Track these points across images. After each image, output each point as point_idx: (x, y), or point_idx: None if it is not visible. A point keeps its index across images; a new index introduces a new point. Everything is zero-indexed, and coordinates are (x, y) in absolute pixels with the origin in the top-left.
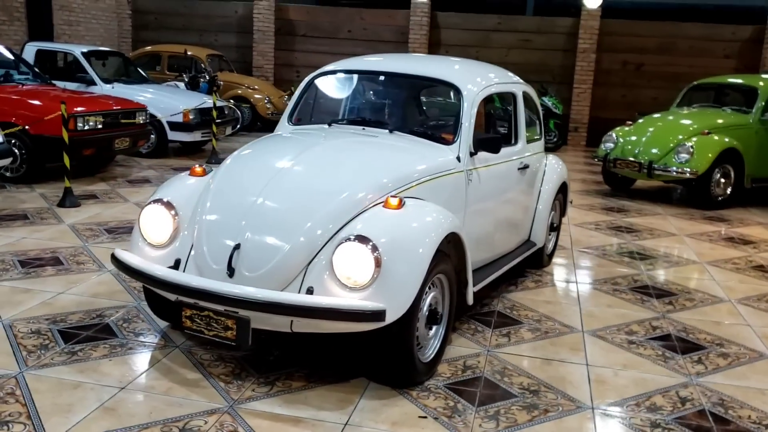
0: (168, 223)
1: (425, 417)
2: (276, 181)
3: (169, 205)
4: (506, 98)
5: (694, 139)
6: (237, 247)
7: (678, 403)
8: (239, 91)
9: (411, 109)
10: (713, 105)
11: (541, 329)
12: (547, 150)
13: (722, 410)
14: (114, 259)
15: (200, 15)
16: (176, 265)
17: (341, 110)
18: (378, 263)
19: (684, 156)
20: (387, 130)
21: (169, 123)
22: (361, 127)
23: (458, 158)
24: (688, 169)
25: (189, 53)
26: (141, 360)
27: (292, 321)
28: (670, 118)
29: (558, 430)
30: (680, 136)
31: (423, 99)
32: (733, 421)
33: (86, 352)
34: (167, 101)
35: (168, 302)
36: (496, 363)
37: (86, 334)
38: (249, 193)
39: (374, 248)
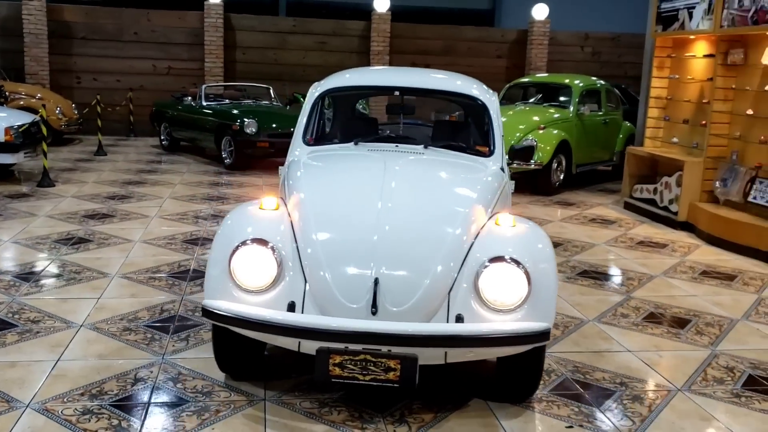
0: (271, 265)
1: (571, 426)
2: (388, 210)
3: (268, 245)
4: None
5: (535, 133)
6: (375, 282)
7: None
8: (22, 102)
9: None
10: (535, 103)
11: None
12: None
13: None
14: (215, 314)
15: None
16: (291, 309)
17: (360, 128)
18: (529, 282)
19: None
20: (422, 146)
21: None
22: (394, 145)
23: (502, 169)
24: (534, 161)
25: None
26: (240, 422)
27: (446, 352)
28: (510, 113)
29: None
30: (518, 134)
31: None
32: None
33: (175, 425)
34: None
35: (245, 352)
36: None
37: (147, 401)
38: (365, 225)
39: (524, 268)
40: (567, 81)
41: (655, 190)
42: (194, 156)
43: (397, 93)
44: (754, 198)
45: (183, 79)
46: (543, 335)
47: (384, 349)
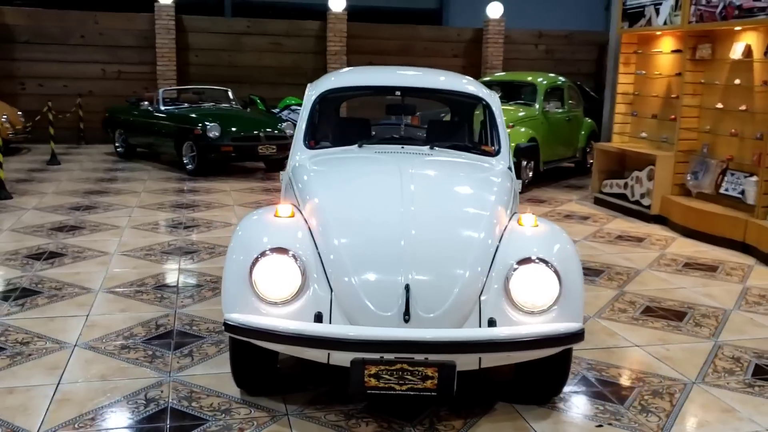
0: (294, 275)
1: (601, 425)
2: (411, 214)
3: (289, 253)
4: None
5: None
6: (406, 288)
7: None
8: None
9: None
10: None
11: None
12: None
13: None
14: (241, 329)
15: None
16: (318, 320)
17: (358, 129)
18: (560, 282)
19: None
20: (427, 147)
21: None
22: (400, 146)
23: (510, 168)
24: None
25: None
26: None
27: (481, 357)
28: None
29: None
30: None
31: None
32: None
33: None
34: None
35: (263, 366)
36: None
37: (165, 423)
38: (390, 230)
39: (554, 268)
40: (531, 79)
41: (626, 184)
42: (152, 163)
43: (398, 93)
44: (726, 189)
45: (134, 83)
46: (578, 335)
47: (421, 357)
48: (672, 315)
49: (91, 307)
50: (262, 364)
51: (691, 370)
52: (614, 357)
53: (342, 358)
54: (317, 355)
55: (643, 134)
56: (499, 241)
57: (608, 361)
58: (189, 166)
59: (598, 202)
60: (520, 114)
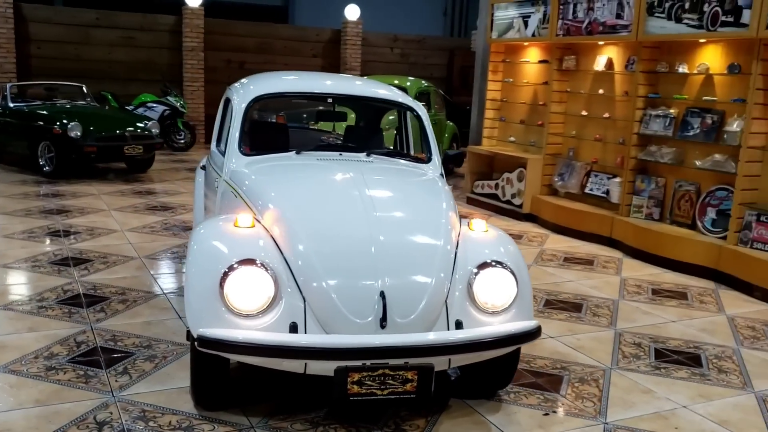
0: (267, 286)
1: (547, 414)
2: (377, 221)
3: (260, 265)
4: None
5: None
6: (382, 295)
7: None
8: None
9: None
10: None
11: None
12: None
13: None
14: (218, 344)
15: None
16: (293, 330)
17: (297, 136)
18: (517, 283)
19: None
20: (364, 154)
21: None
22: (338, 153)
23: (441, 175)
24: None
25: None
26: None
27: (450, 358)
28: None
29: None
30: None
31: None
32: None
33: None
34: None
35: (223, 379)
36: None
37: None
38: (359, 237)
39: (511, 270)
40: (398, 82)
41: (497, 185)
42: None
43: (330, 100)
44: (591, 189)
45: None
46: (538, 331)
47: (400, 362)
48: (571, 307)
49: None
50: (221, 377)
51: (604, 357)
52: (536, 349)
53: (322, 368)
54: (294, 365)
55: (512, 138)
56: (456, 247)
57: (532, 352)
58: (46, 168)
59: (470, 201)
60: (390, 118)
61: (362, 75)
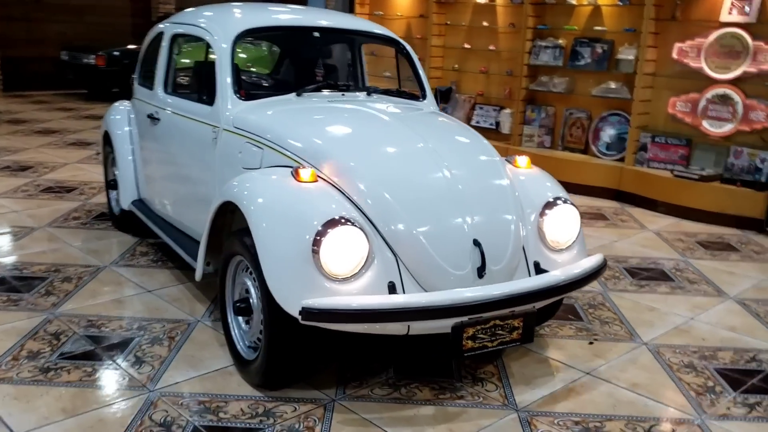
0: (362, 245)
1: (592, 342)
2: (442, 161)
3: (351, 223)
4: None
5: None
6: (476, 243)
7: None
8: None
9: (353, 66)
10: None
11: None
12: None
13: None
14: (316, 314)
15: None
16: (392, 291)
17: (290, 74)
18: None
19: None
20: (365, 93)
21: None
22: (340, 93)
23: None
24: None
25: None
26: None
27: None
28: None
29: None
30: None
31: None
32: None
33: None
34: None
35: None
36: None
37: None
38: (438, 184)
39: (574, 205)
40: None
41: None
42: None
43: (317, 34)
44: (477, 122)
45: None
46: (606, 264)
47: (507, 311)
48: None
49: None
50: (300, 350)
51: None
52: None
53: (430, 327)
54: (398, 327)
55: (387, 73)
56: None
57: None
58: None
59: None
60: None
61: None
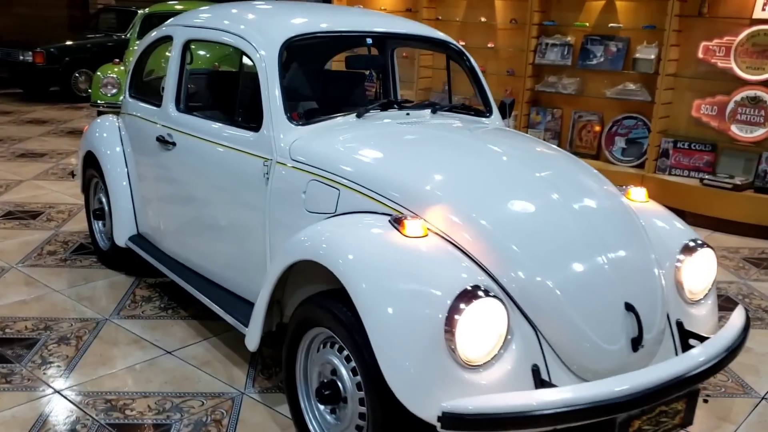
0: (502, 322)
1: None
2: (568, 203)
3: (487, 293)
4: None
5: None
6: (628, 308)
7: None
8: None
9: (386, 75)
10: None
11: None
12: None
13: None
14: (461, 421)
15: None
16: (537, 376)
17: (337, 89)
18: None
19: None
20: (429, 110)
21: None
22: (404, 112)
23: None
24: None
25: None
26: None
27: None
28: None
29: None
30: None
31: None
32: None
33: None
34: None
35: None
36: None
37: None
38: (570, 229)
39: (711, 248)
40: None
41: None
42: None
43: (369, 41)
44: None
45: None
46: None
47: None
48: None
49: None
50: None
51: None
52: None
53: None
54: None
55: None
56: None
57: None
58: None
59: None
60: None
61: None
